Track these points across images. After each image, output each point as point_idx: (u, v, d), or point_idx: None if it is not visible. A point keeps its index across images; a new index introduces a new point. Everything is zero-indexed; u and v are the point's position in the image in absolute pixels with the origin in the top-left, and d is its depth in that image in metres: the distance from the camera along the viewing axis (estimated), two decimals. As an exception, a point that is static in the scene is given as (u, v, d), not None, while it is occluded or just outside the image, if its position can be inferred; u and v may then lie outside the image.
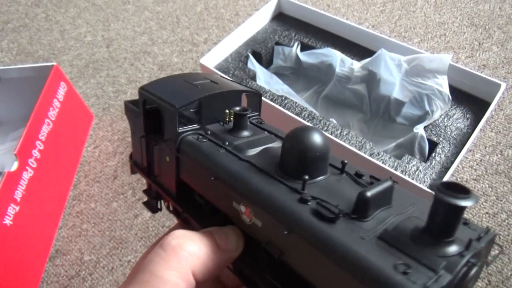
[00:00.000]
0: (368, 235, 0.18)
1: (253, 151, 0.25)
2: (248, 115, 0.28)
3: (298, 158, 0.22)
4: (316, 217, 0.19)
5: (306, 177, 0.21)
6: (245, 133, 0.27)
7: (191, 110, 0.30)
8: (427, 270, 0.16)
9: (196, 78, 0.30)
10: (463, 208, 0.16)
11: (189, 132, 0.27)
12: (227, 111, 0.28)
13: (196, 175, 0.27)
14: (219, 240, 0.22)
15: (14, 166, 0.54)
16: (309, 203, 0.20)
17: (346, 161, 0.23)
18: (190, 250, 0.20)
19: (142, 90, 0.29)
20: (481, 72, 0.75)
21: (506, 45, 0.79)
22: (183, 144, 0.27)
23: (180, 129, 0.27)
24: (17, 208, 0.53)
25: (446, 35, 0.82)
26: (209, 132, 0.27)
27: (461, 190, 0.16)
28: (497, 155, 0.64)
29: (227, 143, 0.26)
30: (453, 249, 0.17)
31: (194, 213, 0.28)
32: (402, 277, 0.15)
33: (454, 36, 0.82)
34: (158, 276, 0.19)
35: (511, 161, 0.63)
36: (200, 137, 0.27)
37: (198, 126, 0.28)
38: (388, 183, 0.20)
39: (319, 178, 0.22)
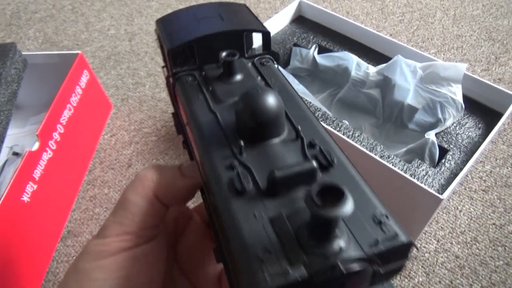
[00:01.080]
0: (263, 216, 0.17)
1: (230, 101, 0.24)
2: (247, 57, 0.27)
3: (243, 122, 0.21)
4: (228, 187, 0.19)
5: (242, 143, 0.20)
6: (237, 78, 0.25)
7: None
8: (285, 263, 0.15)
9: (207, 11, 0.29)
10: (330, 219, 0.15)
11: (184, 73, 0.26)
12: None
13: (182, 117, 0.27)
14: (184, 169, 0.26)
15: (35, 146, 0.56)
16: (234, 170, 0.19)
17: (299, 128, 0.22)
18: (153, 178, 0.25)
19: (156, 23, 0.28)
20: (496, 86, 0.75)
21: (523, 61, 0.79)
22: (177, 84, 0.26)
23: (176, 70, 0.26)
24: (35, 186, 0.55)
25: (463, 47, 0.83)
26: (203, 74, 0.26)
27: (336, 196, 0.15)
28: (507, 168, 0.65)
29: (210, 88, 0.25)
30: (328, 249, 0.16)
31: (188, 149, 0.29)
32: (256, 263, 0.15)
33: (471, 49, 0.82)
34: (126, 199, 0.24)
35: (522, 175, 0.64)
36: (191, 79, 0.26)
37: (195, 67, 0.27)
38: (309, 165, 0.19)
39: (268, 141, 0.21)
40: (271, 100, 0.20)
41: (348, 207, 0.14)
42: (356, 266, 0.16)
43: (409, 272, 0.55)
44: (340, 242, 0.16)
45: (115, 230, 0.24)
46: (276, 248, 0.16)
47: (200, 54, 0.27)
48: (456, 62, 0.80)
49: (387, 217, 0.18)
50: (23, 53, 0.67)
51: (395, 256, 0.17)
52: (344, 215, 0.14)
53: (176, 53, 0.27)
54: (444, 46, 0.84)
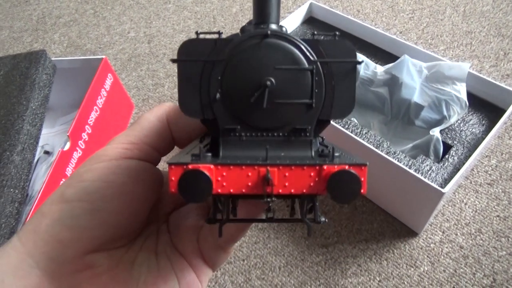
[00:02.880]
0: None
1: None
2: None
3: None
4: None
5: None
6: None
7: None
8: None
9: None
10: None
11: None
12: None
13: None
14: None
15: (67, 146, 0.61)
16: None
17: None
18: (171, 105, 0.27)
19: None
20: (504, 82, 0.77)
21: (532, 56, 0.80)
22: None
23: None
24: (68, 182, 0.60)
25: (472, 43, 0.85)
26: None
27: None
28: (513, 162, 0.67)
29: None
30: None
31: None
32: None
33: (480, 45, 0.84)
34: (141, 116, 0.26)
35: (527, 168, 0.66)
36: None
37: None
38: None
39: None
40: None
41: None
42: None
43: (415, 262, 0.59)
44: None
45: (120, 139, 0.25)
46: None
47: None
48: (465, 58, 0.82)
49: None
50: (51, 59, 0.72)
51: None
52: None
53: None
54: (453, 43, 0.85)
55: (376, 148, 0.56)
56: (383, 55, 0.70)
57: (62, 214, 0.22)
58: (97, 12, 1.08)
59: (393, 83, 0.65)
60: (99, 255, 0.23)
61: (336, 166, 0.17)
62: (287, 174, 0.18)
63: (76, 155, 0.63)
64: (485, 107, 0.61)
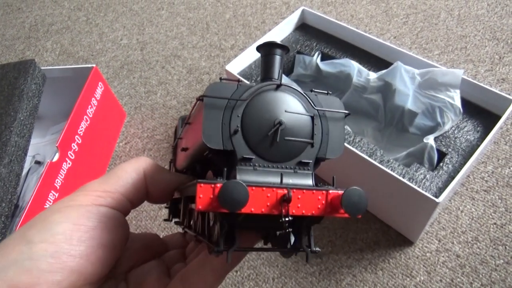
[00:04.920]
0: None
1: None
2: None
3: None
4: None
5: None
6: None
7: None
8: None
9: None
10: None
11: None
12: None
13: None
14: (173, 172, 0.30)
15: (56, 157, 0.60)
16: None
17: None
18: (148, 160, 0.28)
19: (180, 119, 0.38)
20: (500, 86, 0.76)
21: (527, 60, 0.80)
22: None
23: None
24: (57, 194, 0.59)
25: (467, 48, 0.84)
26: None
27: None
28: (509, 168, 0.66)
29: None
30: None
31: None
32: None
33: (475, 49, 0.83)
34: (118, 166, 0.27)
35: (523, 175, 0.65)
36: None
37: None
38: None
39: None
40: None
41: None
42: None
43: (411, 271, 0.58)
44: None
45: (94, 186, 0.25)
46: None
47: None
48: (459, 63, 0.81)
49: None
50: (41, 67, 0.71)
51: None
52: None
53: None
54: (448, 47, 0.85)
55: (370, 157, 0.55)
56: (376, 62, 0.69)
57: (21, 256, 0.21)
58: (90, 19, 1.07)
59: (386, 89, 0.64)
60: None
61: (339, 191, 0.22)
62: (299, 196, 0.21)
63: (66, 166, 0.62)
64: (480, 114, 0.60)
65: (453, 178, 0.52)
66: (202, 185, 0.20)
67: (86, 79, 0.69)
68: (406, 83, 0.62)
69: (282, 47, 0.27)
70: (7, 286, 0.20)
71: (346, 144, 0.54)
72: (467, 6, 0.93)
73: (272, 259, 0.61)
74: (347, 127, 0.61)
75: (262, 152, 0.24)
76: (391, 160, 0.56)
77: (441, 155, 0.57)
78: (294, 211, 0.21)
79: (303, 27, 0.76)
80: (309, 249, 0.24)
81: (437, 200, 0.48)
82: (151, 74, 0.90)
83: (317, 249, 0.24)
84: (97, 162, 0.72)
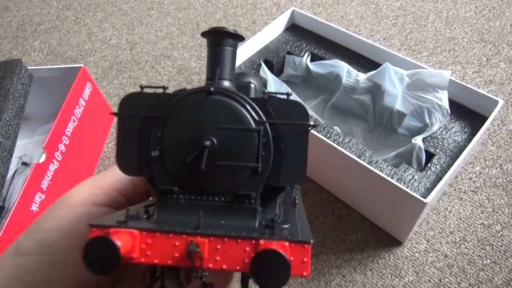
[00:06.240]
0: None
1: None
2: None
3: None
4: None
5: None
6: None
7: None
8: None
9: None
10: None
11: None
12: None
13: None
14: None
15: (42, 158, 0.59)
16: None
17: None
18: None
19: None
20: (487, 88, 0.77)
21: (514, 62, 0.81)
22: None
23: None
24: (43, 196, 0.58)
25: (455, 49, 0.85)
26: None
27: None
28: (496, 169, 0.67)
29: None
30: None
31: None
32: None
33: (463, 51, 0.84)
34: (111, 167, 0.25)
35: (510, 175, 0.65)
36: None
37: None
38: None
39: None
40: None
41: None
42: None
43: (400, 272, 0.58)
44: None
45: (89, 183, 0.24)
46: None
47: None
48: (448, 65, 0.82)
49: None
50: (29, 67, 0.70)
51: None
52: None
53: None
54: (437, 48, 0.85)
55: (358, 157, 0.55)
56: (366, 63, 0.69)
57: (17, 268, 0.21)
58: (79, 19, 1.06)
59: (375, 90, 0.65)
60: None
61: (274, 242, 0.15)
62: (219, 246, 0.16)
63: (53, 167, 0.61)
64: (467, 115, 0.61)
65: (441, 178, 0.53)
66: (94, 229, 0.16)
67: (74, 79, 0.68)
68: (394, 84, 0.62)
69: (232, 35, 0.20)
70: None
71: (335, 145, 0.54)
72: (455, 8, 0.94)
73: (262, 260, 0.61)
74: (336, 128, 0.61)
75: (188, 181, 0.19)
76: (380, 160, 0.56)
77: (429, 156, 0.57)
78: (211, 265, 0.16)
79: (293, 28, 0.77)
80: None
81: (425, 200, 0.48)
82: (140, 74, 0.90)
83: None
84: (85, 164, 0.71)
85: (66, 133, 0.65)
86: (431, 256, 0.59)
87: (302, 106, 0.19)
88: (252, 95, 0.23)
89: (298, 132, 0.19)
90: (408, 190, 0.49)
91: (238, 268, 0.16)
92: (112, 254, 0.15)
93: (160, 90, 0.20)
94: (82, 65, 0.71)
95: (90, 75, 0.74)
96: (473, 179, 0.66)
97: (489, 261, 0.58)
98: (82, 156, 0.69)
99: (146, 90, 0.20)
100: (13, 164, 0.73)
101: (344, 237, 0.62)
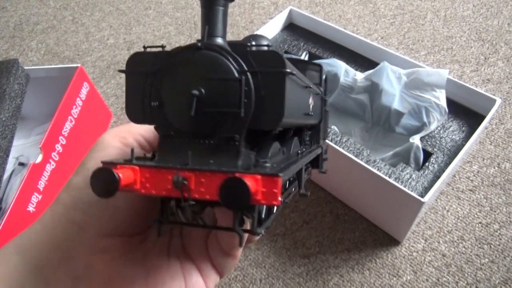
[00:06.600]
0: None
1: None
2: None
3: None
4: None
5: None
6: None
7: None
8: None
9: None
10: None
11: None
12: None
13: None
14: None
15: (39, 158, 0.59)
16: None
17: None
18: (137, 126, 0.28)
19: None
20: (485, 86, 0.77)
21: (511, 61, 0.80)
22: None
23: None
24: (40, 197, 0.58)
25: (453, 48, 0.85)
26: None
27: None
28: (494, 168, 0.66)
29: None
30: None
31: None
32: None
33: (461, 50, 0.84)
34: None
35: (508, 174, 0.65)
36: None
37: None
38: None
39: None
40: None
41: None
42: None
43: (398, 271, 0.58)
44: None
45: (121, 128, 0.27)
46: None
47: None
48: (446, 63, 0.82)
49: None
50: (26, 67, 0.70)
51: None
52: None
53: None
54: (434, 47, 0.85)
55: (356, 156, 0.55)
56: (363, 62, 0.69)
57: (74, 200, 0.24)
58: (76, 19, 1.06)
59: (373, 90, 0.65)
60: (114, 240, 0.24)
61: (245, 175, 0.18)
62: (203, 180, 0.18)
63: (49, 167, 0.61)
64: (465, 114, 0.61)
65: (438, 177, 0.53)
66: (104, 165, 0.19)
67: (71, 79, 0.68)
68: (392, 83, 0.62)
69: None
70: (71, 223, 0.24)
71: (333, 144, 0.54)
72: (453, 7, 0.94)
73: (260, 260, 0.60)
74: (334, 127, 0.61)
75: (182, 127, 0.21)
76: (378, 160, 0.56)
77: (427, 155, 0.57)
78: (196, 195, 0.19)
79: (291, 27, 0.76)
80: (247, 231, 0.21)
81: (422, 199, 0.48)
82: (138, 74, 0.89)
83: (260, 230, 0.21)
84: (83, 163, 0.71)
85: (63, 133, 0.65)
86: (429, 255, 0.59)
87: (279, 55, 0.20)
88: None
89: (276, 79, 0.21)
90: (405, 189, 0.49)
91: (216, 198, 0.18)
92: (112, 181, 0.18)
93: (160, 49, 0.22)
94: (79, 65, 0.70)
95: (87, 75, 0.74)
96: (471, 178, 0.66)
97: (487, 260, 0.58)
98: (79, 156, 0.69)
99: (149, 50, 0.23)
100: (10, 165, 0.72)
101: (342, 237, 0.62)
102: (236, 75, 0.20)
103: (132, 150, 0.21)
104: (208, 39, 0.22)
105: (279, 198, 0.17)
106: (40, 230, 0.24)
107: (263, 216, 0.23)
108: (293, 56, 0.71)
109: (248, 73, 0.21)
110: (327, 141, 0.54)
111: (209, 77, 0.21)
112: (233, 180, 0.17)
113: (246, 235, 0.26)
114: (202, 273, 0.27)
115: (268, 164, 0.20)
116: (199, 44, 0.21)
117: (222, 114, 0.21)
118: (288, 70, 0.20)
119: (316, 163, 0.37)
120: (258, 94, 0.21)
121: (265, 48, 0.22)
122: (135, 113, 0.22)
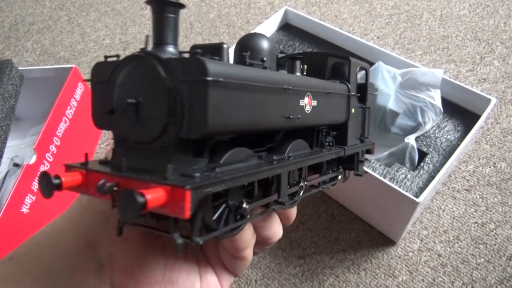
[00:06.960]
0: None
1: None
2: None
3: None
4: None
5: None
6: None
7: None
8: None
9: None
10: None
11: None
12: None
13: None
14: None
15: (33, 159, 0.59)
16: None
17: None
18: None
19: None
20: (481, 86, 0.77)
21: (507, 60, 0.80)
22: None
23: None
24: (34, 198, 0.58)
25: (449, 48, 0.85)
26: None
27: None
28: (490, 167, 0.66)
29: None
30: None
31: None
32: None
33: (457, 49, 0.84)
34: None
35: (503, 174, 0.65)
36: None
37: None
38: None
39: None
40: None
41: None
42: None
43: (393, 271, 0.58)
44: None
45: None
46: None
47: None
48: (442, 63, 0.82)
49: None
50: (20, 67, 0.70)
51: None
52: None
53: None
54: (430, 47, 0.85)
55: (351, 157, 0.54)
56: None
57: (91, 199, 0.25)
58: (72, 19, 1.05)
59: (368, 89, 0.64)
60: (135, 231, 0.26)
61: (159, 187, 0.18)
62: (129, 186, 0.19)
63: (43, 168, 0.60)
64: (460, 113, 0.61)
65: (433, 177, 0.52)
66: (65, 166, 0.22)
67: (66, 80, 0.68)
68: (387, 83, 0.62)
69: (173, 3, 0.22)
70: (98, 212, 0.26)
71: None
72: (449, 7, 0.94)
73: (255, 260, 0.60)
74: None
75: (130, 133, 0.22)
76: (373, 160, 0.55)
77: (422, 155, 0.57)
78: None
79: (286, 27, 0.76)
80: (186, 238, 0.21)
81: (417, 200, 0.48)
82: (133, 75, 0.89)
83: (198, 239, 0.20)
84: (77, 164, 0.70)
85: (57, 134, 0.64)
86: (425, 256, 0.59)
87: (201, 64, 0.20)
88: (224, 55, 0.26)
89: (198, 87, 0.20)
90: (400, 189, 0.49)
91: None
92: (52, 184, 0.20)
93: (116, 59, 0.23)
94: (73, 65, 0.70)
95: (82, 76, 0.73)
96: (466, 178, 0.66)
97: (482, 259, 0.58)
98: (73, 157, 0.69)
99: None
100: (5, 166, 0.72)
101: (337, 237, 0.62)
102: (168, 84, 0.20)
103: (86, 155, 0.23)
104: (157, 47, 0.22)
105: (188, 212, 0.17)
106: (69, 218, 0.26)
107: (219, 225, 0.22)
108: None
109: (180, 82, 0.20)
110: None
111: (144, 86, 0.21)
112: (126, 192, 0.17)
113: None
114: (217, 274, 0.29)
115: (198, 175, 0.20)
116: (138, 53, 0.21)
117: (156, 122, 0.21)
118: (210, 79, 0.19)
119: (350, 165, 0.36)
120: (190, 102, 0.20)
121: (198, 55, 0.21)
122: (98, 119, 0.23)
